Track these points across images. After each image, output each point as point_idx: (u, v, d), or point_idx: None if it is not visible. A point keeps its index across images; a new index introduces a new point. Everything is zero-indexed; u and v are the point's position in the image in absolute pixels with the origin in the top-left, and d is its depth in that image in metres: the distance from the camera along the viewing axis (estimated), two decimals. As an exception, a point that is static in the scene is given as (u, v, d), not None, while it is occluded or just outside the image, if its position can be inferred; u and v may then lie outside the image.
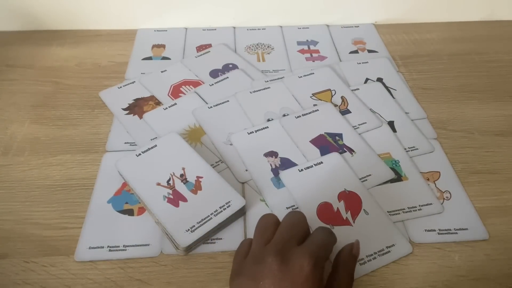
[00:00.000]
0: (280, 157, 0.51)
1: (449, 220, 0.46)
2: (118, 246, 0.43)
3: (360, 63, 0.66)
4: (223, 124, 0.55)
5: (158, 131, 0.54)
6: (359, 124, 0.55)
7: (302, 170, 0.49)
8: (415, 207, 0.47)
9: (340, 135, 0.53)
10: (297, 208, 0.46)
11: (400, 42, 0.72)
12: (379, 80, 0.63)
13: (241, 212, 0.46)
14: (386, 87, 0.61)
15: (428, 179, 0.50)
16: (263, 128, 0.54)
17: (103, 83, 0.62)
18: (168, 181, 0.46)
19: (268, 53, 0.69)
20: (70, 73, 0.65)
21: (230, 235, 0.44)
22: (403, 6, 0.74)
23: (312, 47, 0.70)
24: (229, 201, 0.45)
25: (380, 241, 0.43)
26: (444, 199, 0.48)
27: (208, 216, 0.43)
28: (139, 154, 0.49)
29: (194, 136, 0.54)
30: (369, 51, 0.70)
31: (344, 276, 0.36)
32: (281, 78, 0.62)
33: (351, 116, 0.56)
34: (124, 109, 0.58)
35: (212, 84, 0.61)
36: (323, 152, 0.51)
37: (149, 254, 0.43)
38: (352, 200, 0.46)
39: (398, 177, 0.50)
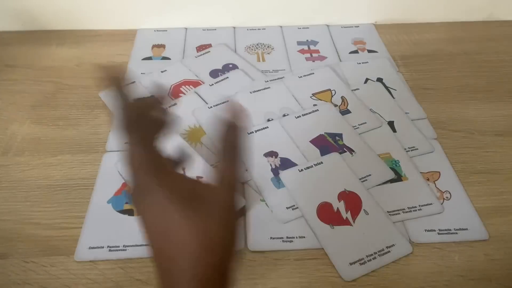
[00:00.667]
0: (280, 157, 0.51)
1: (449, 220, 0.46)
2: (118, 246, 0.43)
3: (360, 63, 0.66)
4: (223, 124, 0.55)
5: (158, 131, 0.54)
6: (359, 124, 0.55)
7: (302, 170, 0.49)
8: (415, 207, 0.47)
9: (340, 135, 0.53)
10: (297, 208, 0.46)
11: (400, 42, 0.72)
12: (379, 80, 0.63)
13: (241, 212, 0.45)
14: (386, 87, 0.61)
15: (428, 179, 0.50)
16: (263, 128, 0.54)
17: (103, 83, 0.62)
18: (168, 181, 0.46)
19: (268, 53, 0.69)
20: (70, 73, 0.65)
21: (230, 235, 0.44)
22: (403, 6, 0.74)
23: (312, 47, 0.70)
24: (229, 201, 0.45)
25: (380, 241, 0.43)
26: (444, 199, 0.48)
27: (208, 216, 0.43)
28: (139, 154, 0.49)
29: (194, 136, 0.54)
30: (369, 51, 0.70)
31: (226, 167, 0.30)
32: (281, 78, 0.62)
33: (351, 116, 0.56)
34: (124, 109, 0.58)
35: (212, 84, 0.61)
36: (323, 152, 0.51)
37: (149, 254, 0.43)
38: (352, 200, 0.46)
39: (398, 177, 0.49)
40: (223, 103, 0.58)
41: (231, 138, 0.31)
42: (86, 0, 0.69)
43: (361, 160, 0.51)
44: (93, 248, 0.43)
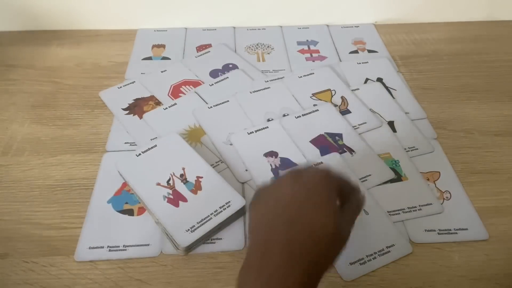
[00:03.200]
0: (280, 157, 0.51)
1: (449, 220, 0.46)
2: (118, 246, 0.43)
3: (360, 63, 0.66)
4: (223, 124, 0.55)
5: (158, 131, 0.54)
6: (359, 124, 0.55)
7: (302, 170, 0.49)
8: (415, 207, 0.47)
9: (340, 135, 0.53)
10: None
11: (400, 42, 0.72)
12: (379, 80, 0.63)
13: (241, 212, 0.46)
14: (386, 87, 0.61)
15: (428, 179, 0.50)
16: (263, 128, 0.54)
17: (103, 83, 0.62)
18: (168, 181, 0.46)
19: (268, 53, 0.69)
20: (70, 73, 0.65)
21: (230, 235, 0.44)
22: (403, 6, 0.74)
23: (312, 47, 0.70)
24: (229, 201, 0.45)
25: (380, 241, 0.43)
26: (444, 199, 0.48)
27: (208, 216, 0.43)
28: (139, 154, 0.49)
29: (194, 136, 0.54)
30: (369, 51, 0.70)
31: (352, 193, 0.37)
32: (281, 78, 0.62)
33: (351, 116, 0.56)
34: (124, 109, 0.58)
35: (212, 84, 0.61)
36: (323, 152, 0.51)
37: (149, 254, 0.43)
38: (352, 200, 0.46)
39: (398, 177, 0.50)
40: (223, 103, 0.58)
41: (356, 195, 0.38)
42: (86, 0, 0.69)
43: (361, 160, 0.51)
44: (93, 248, 0.43)
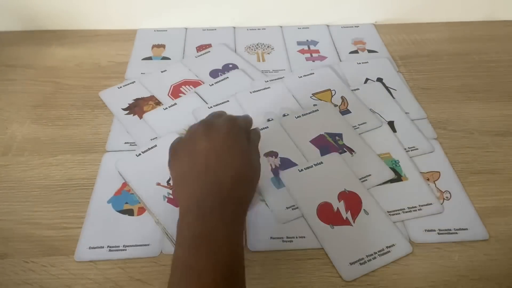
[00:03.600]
0: (280, 157, 0.51)
1: (449, 220, 0.46)
2: (118, 246, 0.43)
3: (360, 63, 0.66)
4: (223, 124, 0.55)
5: (158, 131, 0.54)
6: (359, 124, 0.55)
7: (302, 170, 0.49)
8: (415, 207, 0.47)
9: (340, 135, 0.53)
10: (297, 208, 0.46)
11: (400, 42, 0.72)
12: (379, 80, 0.63)
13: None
14: (386, 87, 0.61)
15: (428, 179, 0.50)
16: (263, 128, 0.54)
17: (103, 83, 0.62)
18: (168, 181, 0.46)
19: (268, 53, 0.69)
20: (70, 73, 0.65)
21: (230, 235, 0.44)
22: (403, 6, 0.74)
23: (312, 47, 0.70)
24: (229, 201, 0.45)
25: (380, 241, 0.43)
26: (444, 199, 0.48)
27: (208, 216, 0.43)
28: (139, 154, 0.49)
29: (194, 136, 0.54)
30: (369, 51, 0.70)
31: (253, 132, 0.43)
32: (281, 78, 0.62)
33: (351, 116, 0.56)
34: (124, 109, 0.58)
35: (212, 84, 0.61)
36: (323, 152, 0.51)
37: (149, 254, 0.43)
38: (352, 200, 0.46)
39: (398, 177, 0.49)
40: (223, 103, 0.58)
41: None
42: (86, 0, 0.69)
43: (361, 160, 0.51)
44: (93, 248, 0.43)
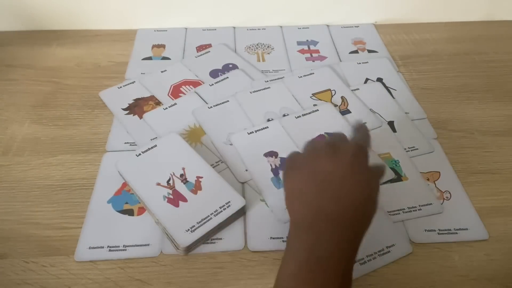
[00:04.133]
0: (280, 157, 0.51)
1: (449, 220, 0.46)
2: (118, 246, 0.43)
3: (360, 63, 0.66)
4: (223, 124, 0.55)
5: (158, 131, 0.54)
6: (359, 124, 0.55)
7: (302, 170, 0.49)
8: (415, 207, 0.47)
9: (340, 135, 0.53)
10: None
11: (400, 42, 0.72)
12: (379, 80, 0.63)
13: (241, 212, 0.46)
14: (386, 87, 0.61)
15: (428, 179, 0.50)
16: (263, 128, 0.54)
17: (103, 83, 0.62)
18: (168, 181, 0.46)
19: (268, 53, 0.69)
20: (70, 73, 0.65)
21: (230, 235, 0.44)
22: (403, 6, 0.74)
23: (312, 47, 0.70)
24: (229, 201, 0.45)
25: (380, 241, 0.43)
26: (444, 199, 0.48)
27: (208, 216, 0.43)
28: (139, 154, 0.49)
29: (194, 136, 0.54)
30: (369, 51, 0.70)
31: (362, 134, 0.43)
32: (281, 78, 0.62)
33: (351, 116, 0.56)
34: (124, 109, 0.58)
35: (212, 84, 0.61)
36: (323, 152, 0.51)
37: (149, 254, 0.43)
38: (352, 200, 0.46)
39: (398, 177, 0.50)
40: (223, 103, 0.58)
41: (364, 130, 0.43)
42: (86, 0, 0.69)
43: (361, 160, 0.51)
44: (93, 248, 0.43)
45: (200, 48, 0.70)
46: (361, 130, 0.43)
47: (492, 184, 0.50)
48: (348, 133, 0.42)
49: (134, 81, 0.62)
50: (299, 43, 0.71)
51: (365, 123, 0.45)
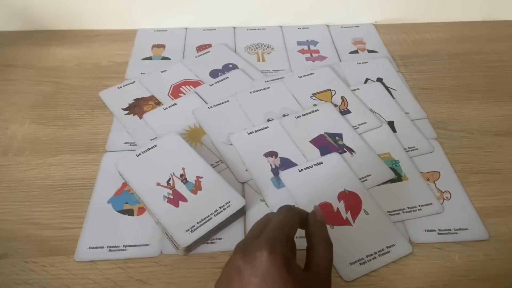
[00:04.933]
0: (280, 157, 0.51)
1: (449, 220, 0.46)
2: (118, 246, 0.43)
3: (360, 63, 0.66)
4: (223, 124, 0.55)
5: (158, 131, 0.54)
6: (359, 124, 0.55)
7: (302, 170, 0.49)
8: (415, 207, 0.47)
9: (340, 135, 0.53)
10: (296, 206, 0.46)
11: (400, 42, 0.72)
12: (379, 80, 0.63)
13: (241, 212, 0.46)
14: (386, 87, 0.61)
15: (428, 179, 0.50)
16: (263, 128, 0.54)
17: (103, 83, 0.62)
18: (168, 181, 0.46)
19: (268, 53, 0.69)
20: (70, 73, 0.65)
21: (230, 235, 0.44)
22: (403, 6, 0.74)
23: (312, 47, 0.70)
24: (229, 201, 0.45)
25: (380, 241, 0.43)
26: (444, 199, 0.48)
27: (208, 216, 0.43)
28: (139, 154, 0.49)
29: (194, 136, 0.54)
30: (369, 51, 0.70)
31: (319, 244, 0.35)
32: (281, 78, 0.62)
33: (351, 116, 0.56)
34: (124, 109, 0.58)
35: (212, 84, 0.61)
36: (323, 152, 0.51)
37: (149, 254, 0.43)
38: (352, 200, 0.46)
39: (398, 177, 0.50)
40: (223, 103, 0.58)
41: (321, 232, 0.36)
42: (86, 0, 0.69)
43: (361, 160, 0.51)
44: (93, 248, 0.43)
45: (200, 48, 0.70)
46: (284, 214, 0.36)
47: (492, 184, 0.50)
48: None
49: (134, 81, 0.62)
50: (299, 43, 0.71)
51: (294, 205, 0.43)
